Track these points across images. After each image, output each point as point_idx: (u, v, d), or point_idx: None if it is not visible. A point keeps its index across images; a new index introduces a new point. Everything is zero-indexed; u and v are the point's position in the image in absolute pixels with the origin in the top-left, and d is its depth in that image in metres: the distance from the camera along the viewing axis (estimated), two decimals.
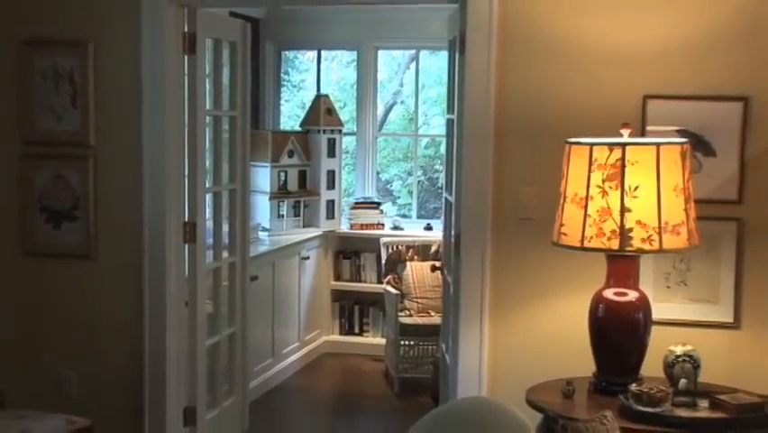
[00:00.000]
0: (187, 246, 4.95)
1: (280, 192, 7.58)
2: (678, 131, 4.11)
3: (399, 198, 9.41)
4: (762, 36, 4.08)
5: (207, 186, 5.23)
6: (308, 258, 7.52)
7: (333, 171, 7.90)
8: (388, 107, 9.53)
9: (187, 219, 4.95)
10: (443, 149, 6.39)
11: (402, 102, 9.62)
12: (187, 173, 4.95)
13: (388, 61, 9.18)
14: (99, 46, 4.85)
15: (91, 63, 4.85)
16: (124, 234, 4.88)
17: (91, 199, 4.92)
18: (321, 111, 7.87)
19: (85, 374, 5.01)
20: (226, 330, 5.51)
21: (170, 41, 4.76)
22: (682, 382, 3.63)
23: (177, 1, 4.75)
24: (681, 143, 3.65)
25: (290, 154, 7.65)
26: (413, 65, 8.76)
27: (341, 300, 7.97)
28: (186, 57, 4.86)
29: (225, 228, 5.50)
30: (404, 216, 8.46)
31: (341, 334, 7.97)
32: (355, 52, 8.41)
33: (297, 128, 8.06)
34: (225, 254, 5.49)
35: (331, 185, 7.88)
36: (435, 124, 9.02)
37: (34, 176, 4.99)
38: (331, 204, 7.89)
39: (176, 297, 4.89)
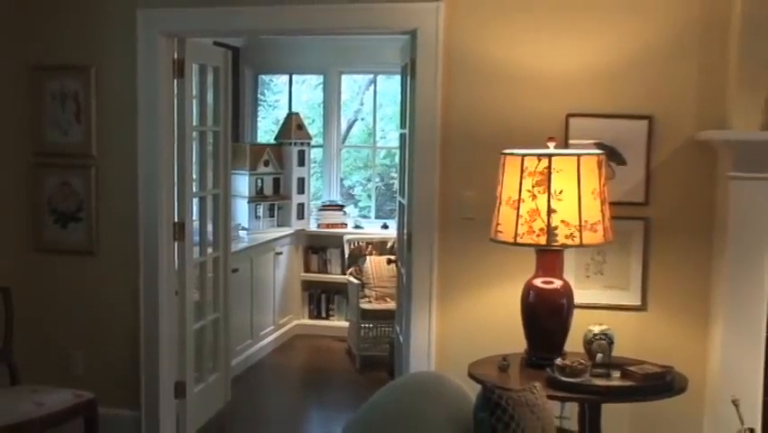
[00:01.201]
0: (176, 243, 4.94)
1: (257, 196, 7.55)
2: (595, 143, 4.15)
3: (360, 201, 9.38)
4: (660, 66, 4.14)
5: (194, 191, 5.21)
6: (282, 253, 7.50)
7: (303, 178, 7.88)
8: (351, 123, 9.50)
9: (176, 220, 4.93)
10: (397, 159, 6.39)
11: (362, 119, 9.60)
12: (176, 180, 4.93)
13: (350, 84, 9.15)
14: (100, 71, 4.82)
15: (93, 85, 4.82)
16: (122, 232, 4.86)
17: (93, 203, 4.89)
18: (292, 126, 7.85)
19: (89, 354, 4.98)
20: (211, 315, 5.50)
21: (162, 66, 4.74)
22: (599, 356, 3.68)
23: (168, 32, 4.74)
24: (598, 154, 3.68)
25: (266, 164, 7.62)
26: (372, 87, 8.76)
27: (310, 289, 7.95)
28: (175, 80, 4.84)
29: (210, 228, 5.49)
30: (364, 216, 8.44)
31: (310, 318, 7.95)
32: (322, 76, 8.38)
33: (272, 141, 8.03)
34: (210, 250, 5.48)
35: (301, 190, 7.86)
36: (391, 137, 8.99)
37: (44, 182, 4.96)
38: (301, 206, 7.87)
39: (167, 287, 4.87)
